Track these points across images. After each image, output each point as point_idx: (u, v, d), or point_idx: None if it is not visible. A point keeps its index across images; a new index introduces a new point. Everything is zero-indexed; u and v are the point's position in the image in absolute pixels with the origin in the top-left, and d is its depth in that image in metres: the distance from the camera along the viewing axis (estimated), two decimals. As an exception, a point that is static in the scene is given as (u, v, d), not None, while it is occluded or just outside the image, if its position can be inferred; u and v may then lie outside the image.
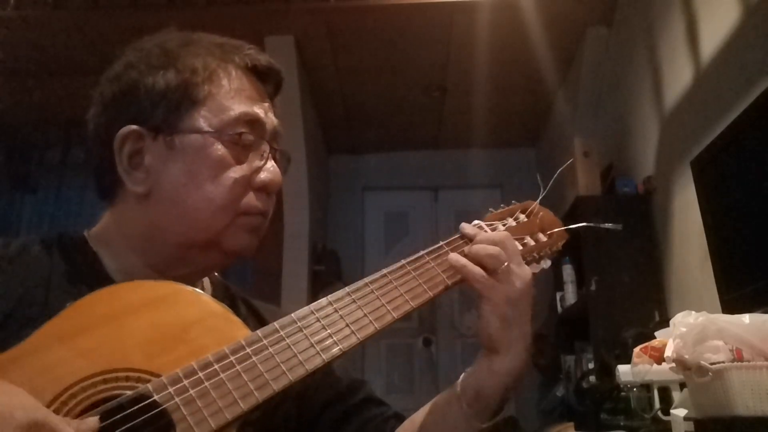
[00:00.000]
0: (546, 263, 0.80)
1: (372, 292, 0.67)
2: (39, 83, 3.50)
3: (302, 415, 0.78)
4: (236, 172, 0.70)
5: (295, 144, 3.35)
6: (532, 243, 0.79)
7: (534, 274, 0.75)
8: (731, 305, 1.76)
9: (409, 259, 0.72)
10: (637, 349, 1.45)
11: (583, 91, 3.39)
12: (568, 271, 2.99)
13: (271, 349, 0.60)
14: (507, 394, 0.70)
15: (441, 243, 0.75)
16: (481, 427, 0.70)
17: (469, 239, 0.74)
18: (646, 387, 1.58)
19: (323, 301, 0.65)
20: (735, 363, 1.00)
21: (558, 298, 3.13)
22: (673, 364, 1.10)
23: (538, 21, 3.00)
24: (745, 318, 1.05)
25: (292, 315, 0.63)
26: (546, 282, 3.40)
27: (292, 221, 3.49)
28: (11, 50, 3.15)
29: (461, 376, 0.72)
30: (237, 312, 0.70)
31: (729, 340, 1.02)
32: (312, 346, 0.61)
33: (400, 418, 0.81)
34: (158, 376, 0.56)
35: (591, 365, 2.64)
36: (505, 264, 0.69)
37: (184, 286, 0.63)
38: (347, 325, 0.64)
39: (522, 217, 0.82)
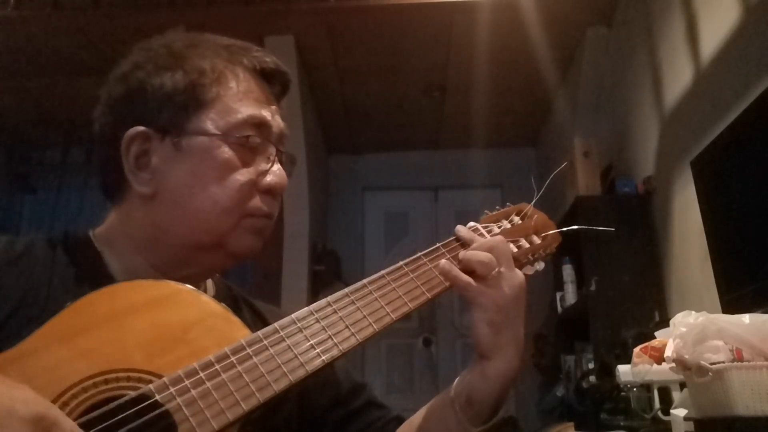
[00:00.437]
0: (540, 265, 0.81)
1: (371, 293, 0.67)
2: (39, 83, 3.50)
3: (304, 416, 0.78)
4: (242, 174, 0.70)
5: (295, 144, 3.35)
6: (527, 245, 0.79)
7: (528, 276, 0.75)
8: (731, 305, 1.76)
9: (406, 261, 0.72)
10: (637, 349, 1.45)
11: (583, 91, 3.39)
12: (568, 271, 2.99)
13: (271, 350, 0.60)
14: (499, 400, 0.70)
15: (438, 245, 0.75)
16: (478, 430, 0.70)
17: (464, 243, 0.75)
18: (646, 387, 1.58)
19: (323, 302, 0.65)
20: (735, 363, 1.00)
21: (558, 298, 3.13)
22: (673, 364, 1.10)
23: (538, 21, 3.00)
24: (745, 318, 1.05)
25: (292, 315, 0.63)
26: (546, 282, 3.40)
27: (292, 221, 3.49)
28: (11, 50, 3.15)
29: (456, 380, 0.73)
30: (240, 313, 0.70)
31: (729, 340, 1.02)
32: (312, 347, 0.61)
33: (400, 421, 0.81)
34: (159, 376, 0.56)
35: (591, 365, 2.64)
36: (496, 270, 0.70)
37: (184, 286, 0.63)
38: (347, 327, 0.64)
39: (517, 219, 0.83)
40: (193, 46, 0.73)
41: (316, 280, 3.60)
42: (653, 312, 2.47)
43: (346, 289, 0.67)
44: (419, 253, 0.73)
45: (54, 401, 0.53)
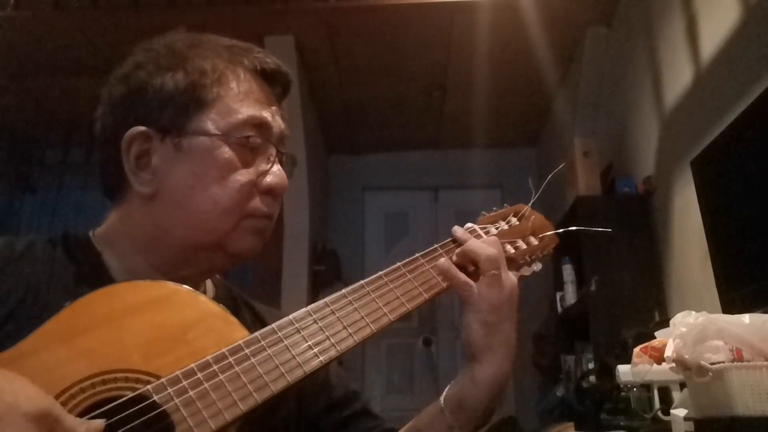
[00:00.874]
0: (537, 266, 0.81)
1: (368, 294, 0.68)
2: (39, 83, 3.50)
3: (299, 419, 0.79)
4: (243, 175, 0.70)
5: (295, 144, 3.35)
6: (524, 246, 0.80)
7: (525, 276, 0.75)
8: (731, 305, 1.76)
9: (404, 262, 0.72)
10: (637, 349, 1.45)
11: (583, 91, 3.39)
12: (568, 271, 2.99)
13: (269, 351, 0.60)
14: (490, 405, 0.70)
15: (435, 246, 0.76)
16: None
17: (460, 244, 0.75)
18: (646, 387, 1.59)
19: (321, 302, 0.66)
20: (735, 363, 1.00)
21: (558, 298, 3.13)
22: (673, 364, 1.10)
23: (538, 21, 3.00)
24: (745, 318, 1.05)
25: (290, 316, 0.63)
26: (546, 282, 3.40)
27: (292, 221, 3.49)
28: (11, 50, 3.15)
29: (446, 389, 0.73)
30: (239, 315, 0.70)
31: (729, 340, 1.02)
32: (310, 347, 0.61)
33: None
34: (157, 377, 0.56)
35: (591, 365, 2.64)
36: (491, 271, 0.70)
37: (182, 287, 0.63)
38: (344, 327, 0.64)
39: (514, 220, 0.83)
40: (194, 47, 0.73)
41: (316, 280, 3.60)
42: (653, 312, 2.47)
43: (344, 290, 0.67)
44: (417, 254, 0.74)
45: (53, 401, 0.53)
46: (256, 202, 0.71)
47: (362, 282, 0.69)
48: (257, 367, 0.58)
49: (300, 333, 0.62)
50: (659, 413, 1.51)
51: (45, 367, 0.54)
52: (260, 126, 0.71)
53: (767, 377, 0.97)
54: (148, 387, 0.54)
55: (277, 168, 0.73)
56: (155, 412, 0.53)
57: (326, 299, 0.66)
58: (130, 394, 0.54)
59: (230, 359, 0.58)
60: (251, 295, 0.86)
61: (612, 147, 3.09)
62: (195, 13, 3.00)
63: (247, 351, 0.59)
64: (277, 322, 0.62)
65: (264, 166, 0.72)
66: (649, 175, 2.65)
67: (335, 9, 3.03)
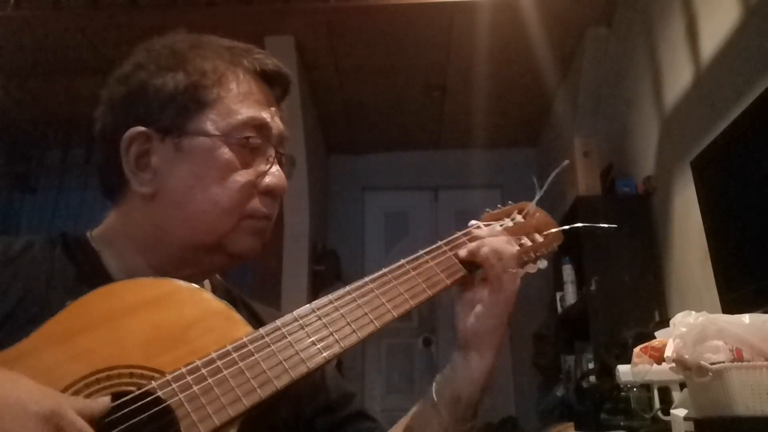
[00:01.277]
0: (542, 264, 0.81)
1: (372, 290, 0.68)
2: (39, 83, 3.50)
3: (296, 420, 0.79)
4: (242, 175, 0.70)
5: (295, 144, 3.35)
6: (529, 243, 0.80)
7: (530, 274, 0.76)
8: (731, 305, 1.76)
9: (408, 259, 0.72)
10: (637, 349, 1.45)
11: (583, 91, 3.39)
12: (568, 271, 2.99)
13: (273, 347, 0.60)
14: (483, 397, 0.71)
15: (440, 242, 0.75)
16: (462, 430, 0.71)
17: (471, 239, 0.75)
18: (646, 387, 1.59)
19: (324, 299, 0.66)
20: (735, 363, 1.00)
21: (558, 298, 3.14)
22: (673, 364, 1.10)
23: (538, 21, 3.00)
24: (745, 318, 1.05)
25: (294, 313, 0.63)
26: (546, 282, 3.40)
27: (292, 221, 3.49)
28: (11, 50, 3.15)
29: (434, 385, 0.73)
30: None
31: (729, 340, 1.02)
32: (313, 344, 0.61)
33: None
34: (160, 373, 0.56)
35: (591, 365, 2.64)
36: (512, 269, 0.72)
37: (183, 284, 0.63)
38: (348, 324, 0.64)
39: (518, 217, 0.83)
40: (194, 47, 0.73)
41: (316, 280, 3.60)
42: (653, 312, 2.47)
43: (348, 287, 0.67)
44: (421, 252, 0.74)
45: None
46: (256, 203, 0.71)
47: (366, 279, 0.69)
48: (260, 363, 0.58)
49: (303, 329, 0.62)
50: (659, 413, 1.51)
51: (45, 367, 0.54)
52: (260, 127, 0.72)
53: (767, 377, 0.98)
54: (153, 382, 0.55)
55: (276, 169, 0.73)
56: (160, 407, 0.54)
57: (330, 296, 0.66)
58: (135, 390, 0.54)
59: (234, 355, 0.58)
60: (251, 296, 0.86)
61: (612, 147, 3.09)
62: (195, 13, 3.00)
63: (251, 347, 0.59)
64: (281, 319, 0.63)
65: (263, 167, 0.72)
66: (649, 175, 2.65)
67: (335, 9, 3.03)
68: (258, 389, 0.57)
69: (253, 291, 3.33)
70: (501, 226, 0.81)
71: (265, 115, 0.72)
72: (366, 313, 0.65)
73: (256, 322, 0.79)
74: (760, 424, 0.96)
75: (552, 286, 3.24)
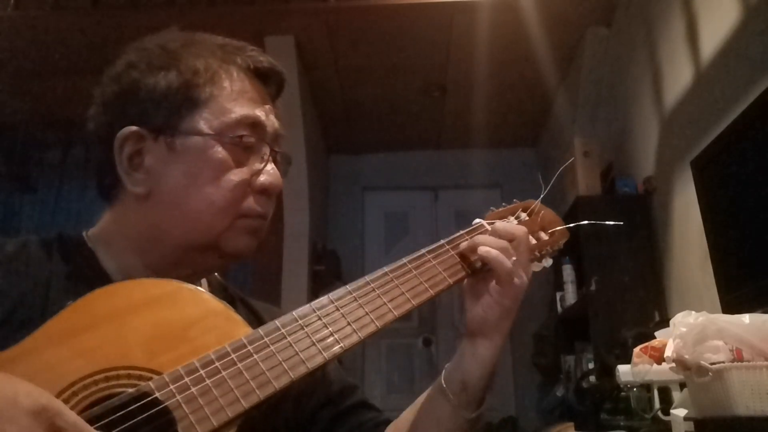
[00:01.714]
0: (548, 261, 0.81)
1: (373, 290, 0.67)
2: (39, 83, 3.50)
3: (297, 416, 0.78)
4: (237, 174, 0.69)
5: (295, 144, 3.35)
6: (534, 241, 0.79)
7: (535, 272, 0.76)
8: (731, 305, 1.76)
9: (409, 258, 0.72)
10: (637, 349, 1.45)
11: (583, 91, 3.39)
12: (568, 271, 2.99)
13: (272, 347, 0.59)
14: (489, 382, 0.72)
15: (442, 241, 0.75)
16: (470, 417, 0.71)
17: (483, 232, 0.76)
18: (646, 387, 1.59)
19: (324, 299, 0.65)
20: (735, 363, 1.00)
21: (558, 298, 3.14)
22: (673, 364, 1.10)
23: (538, 21, 3.00)
24: (745, 318, 1.05)
25: (294, 313, 0.63)
26: (546, 282, 3.40)
27: (292, 221, 3.49)
28: (11, 50, 3.15)
29: (443, 372, 0.74)
30: (236, 312, 0.70)
31: (729, 340, 1.02)
32: (313, 344, 0.61)
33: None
34: (159, 374, 0.56)
35: (591, 365, 2.64)
36: (528, 260, 0.73)
37: (185, 284, 0.63)
38: (348, 324, 0.64)
39: (523, 215, 0.82)
40: (187, 46, 0.72)
41: (316, 280, 3.60)
42: (653, 312, 2.47)
43: (348, 286, 0.67)
44: (423, 250, 0.73)
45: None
46: (250, 202, 0.71)
47: (367, 278, 0.68)
48: (260, 363, 0.58)
49: (304, 329, 0.62)
50: (659, 413, 1.51)
51: (47, 366, 0.54)
52: (254, 125, 0.71)
53: (767, 377, 0.98)
54: (150, 383, 0.54)
55: (270, 167, 0.72)
56: (157, 409, 0.53)
57: (330, 295, 0.65)
58: (132, 391, 0.54)
59: (233, 356, 0.58)
60: (249, 295, 0.86)
61: (612, 147, 3.09)
62: (195, 13, 3.00)
63: (250, 348, 0.59)
64: (281, 319, 0.62)
65: (258, 166, 0.71)
66: (649, 175, 2.65)
67: (335, 9, 3.03)
68: (257, 390, 0.56)
69: (253, 291, 3.33)
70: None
71: (259, 113, 0.72)
72: (367, 313, 0.65)
73: (255, 319, 0.79)
74: (760, 424, 0.96)
75: (552, 286, 3.24)
